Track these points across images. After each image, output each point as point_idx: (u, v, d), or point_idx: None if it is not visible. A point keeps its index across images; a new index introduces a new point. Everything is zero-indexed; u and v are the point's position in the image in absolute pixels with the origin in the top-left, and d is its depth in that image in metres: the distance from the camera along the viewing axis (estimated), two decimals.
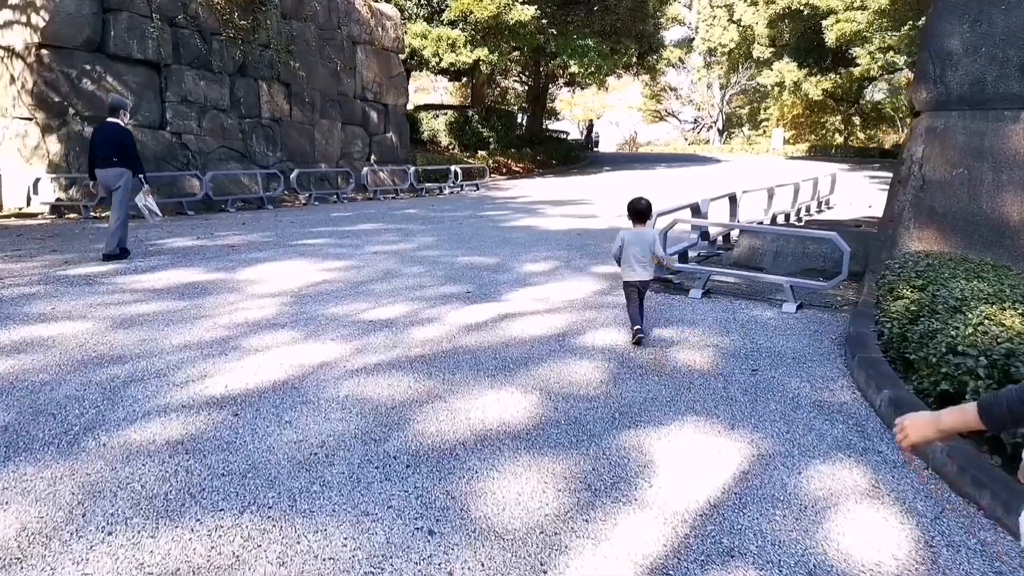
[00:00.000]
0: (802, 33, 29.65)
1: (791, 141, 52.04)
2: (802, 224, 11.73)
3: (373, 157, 19.78)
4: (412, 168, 18.73)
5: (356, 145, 19.26)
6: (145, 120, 13.58)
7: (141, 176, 7.83)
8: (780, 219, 11.77)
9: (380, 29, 19.77)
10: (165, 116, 14.00)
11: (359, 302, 6.16)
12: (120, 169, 7.67)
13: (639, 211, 5.25)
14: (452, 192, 19.51)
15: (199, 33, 14.60)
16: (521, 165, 27.59)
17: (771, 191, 11.26)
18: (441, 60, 22.34)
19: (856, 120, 51.03)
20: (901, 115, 49.45)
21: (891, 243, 6.24)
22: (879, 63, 19.75)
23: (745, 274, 7.06)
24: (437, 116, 26.39)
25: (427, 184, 19.59)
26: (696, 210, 8.14)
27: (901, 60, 19.59)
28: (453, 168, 19.43)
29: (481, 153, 25.48)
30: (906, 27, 19.48)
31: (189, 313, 5.63)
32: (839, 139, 50.22)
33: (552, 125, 46.80)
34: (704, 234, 8.72)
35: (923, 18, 18.34)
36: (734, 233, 8.95)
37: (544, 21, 23.39)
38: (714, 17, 50.82)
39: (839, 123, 52.27)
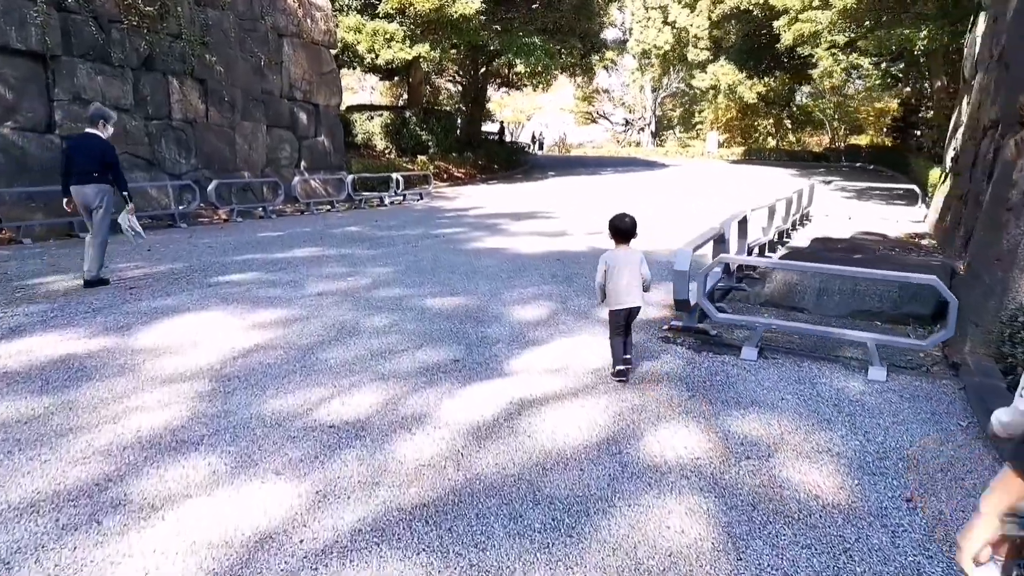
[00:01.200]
0: (747, 35, 28.99)
1: (725, 144, 52.10)
2: (809, 247, 10.48)
3: (303, 164, 17.70)
4: (349, 176, 16.76)
5: (284, 150, 17.15)
6: (27, 122, 11.27)
7: (125, 194, 7.27)
8: (771, 235, 10.49)
9: (309, 20, 17.71)
10: (53, 117, 11.70)
11: (310, 386, 4.38)
12: (101, 186, 7.03)
13: (624, 231, 4.64)
14: (394, 203, 17.63)
15: (95, 20, 12.31)
16: (463, 170, 25.87)
17: (772, 208, 9.96)
18: (377, 56, 20.40)
19: (788, 123, 51.57)
20: (828, 118, 50.31)
21: (1002, 289, 4.88)
22: (842, 65, 19.04)
23: (816, 329, 5.57)
24: (372, 118, 24.36)
25: (365, 193, 17.65)
26: (720, 239, 6.67)
27: (867, 62, 18.89)
28: (395, 176, 17.55)
29: (421, 158, 23.64)
30: (865, 26, 18.79)
31: (49, 425, 3.73)
32: (772, 142, 50.51)
33: (486, 127, 45.24)
34: (726, 266, 7.28)
35: (884, 18, 17.64)
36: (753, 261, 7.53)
37: (484, 18, 21.75)
38: (648, 19, 50.44)
39: (771, 126, 52.71)
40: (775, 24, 23.11)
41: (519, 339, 5.52)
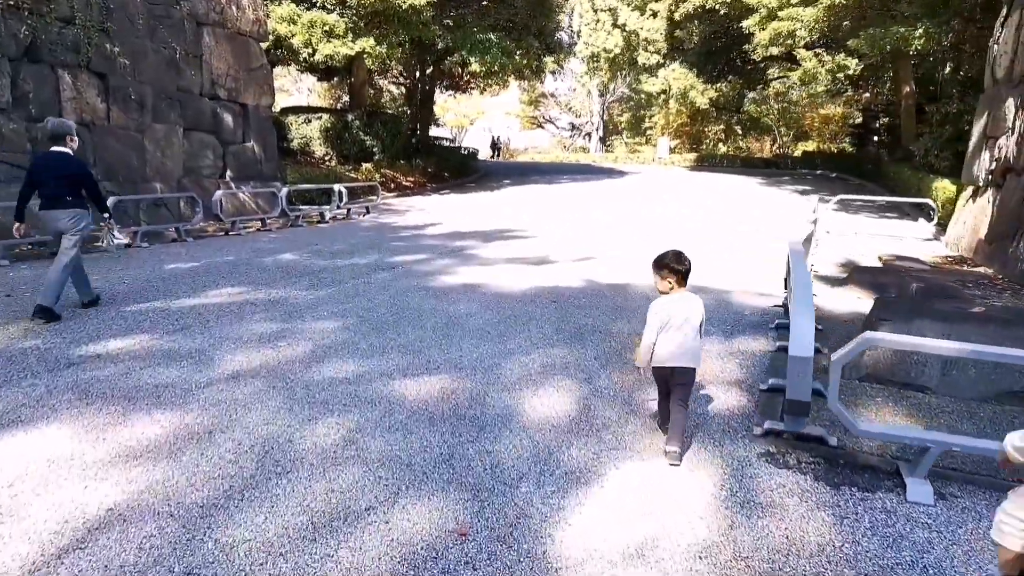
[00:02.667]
0: (709, 36, 27.64)
1: (677, 150, 51.22)
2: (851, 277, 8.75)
3: (230, 173, 15.26)
4: (284, 188, 14.39)
5: (206, 158, 14.68)
6: None
7: (106, 216, 6.78)
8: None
9: (234, 8, 15.29)
10: None
11: None
12: (76, 210, 6.32)
13: (682, 275, 3.76)
14: (337, 218, 15.34)
15: None
16: (412, 179, 23.66)
17: (811, 236, 8.19)
18: (315, 51, 18.04)
19: (738, 129, 51.05)
20: (775, 124, 49.94)
21: None
22: (826, 66, 17.69)
23: None
24: (310, 121, 21.88)
25: (303, 208, 15.33)
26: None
27: (853, 63, 17.57)
28: (337, 188, 15.24)
29: (365, 166, 21.34)
30: (844, 26, 17.48)
31: None
32: (723, 148, 49.84)
33: (434, 131, 43.05)
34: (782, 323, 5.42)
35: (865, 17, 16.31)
36: (837, 303, 5.69)
37: (432, 13, 19.65)
38: (597, 21, 49.15)
39: (721, 132, 52.15)
40: (744, 24, 21.72)
41: (551, 471, 3.48)
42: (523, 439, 3.83)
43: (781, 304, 7.14)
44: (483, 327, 6.10)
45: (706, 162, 42.76)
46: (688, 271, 3.74)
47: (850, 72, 18.20)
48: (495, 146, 55.99)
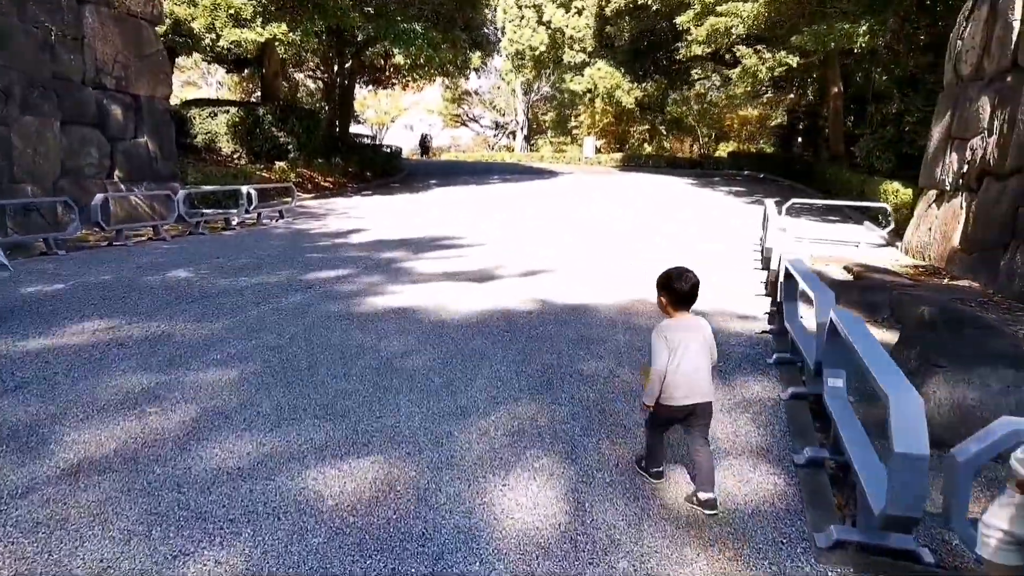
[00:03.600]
0: (639, 33, 26.98)
1: (602, 150, 50.92)
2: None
3: (118, 174, 13.34)
4: (182, 191, 12.58)
5: (89, 156, 12.72)
6: None
7: None
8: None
9: None
10: None
11: None
12: None
13: (687, 296, 3.17)
14: (245, 224, 13.64)
15: None
16: (331, 179, 21.98)
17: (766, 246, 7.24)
18: (219, 38, 16.20)
19: (663, 130, 51.19)
20: (697, 125, 50.34)
21: None
22: (767, 64, 17.15)
23: None
24: (215, 115, 19.85)
25: (207, 212, 13.57)
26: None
27: (794, 60, 17.05)
28: (245, 190, 13.52)
29: (279, 164, 19.54)
30: (786, 24, 16.99)
31: None
32: (648, 148, 49.83)
33: (354, 129, 41.13)
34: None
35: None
36: None
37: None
38: (522, 18, 48.27)
39: (645, 132, 52.22)
40: (678, 20, 21.08)
41: None
42: None
43: (768, 330, 6.16)
44: (425, 373, 4.82)
45: (632, 162, 42.47)
46: (689, 293, 3.18)
47: (794, 68, 17.68)
48: (424, 144, 54.24)
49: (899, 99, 15.75)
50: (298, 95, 36.05)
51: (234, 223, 13.17)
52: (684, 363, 3.09)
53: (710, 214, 16.23)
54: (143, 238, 11.40)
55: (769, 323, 6.42)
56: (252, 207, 13.73)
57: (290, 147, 20.97)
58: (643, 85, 37.27)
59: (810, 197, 19.24)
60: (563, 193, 21.60)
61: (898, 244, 11.75)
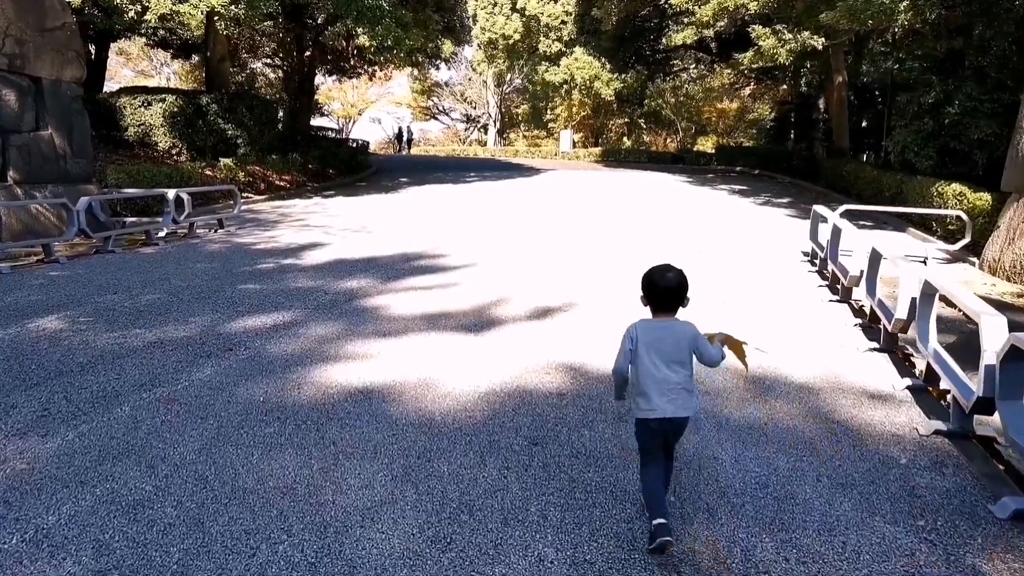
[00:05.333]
0: (626, 17, 24.78)
1: (580, 144, 48.87)
2: None
3: (13, 174, 10.74)
4: (85, 198, 9.94)
5: None
6: None
7: None
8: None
9: None
10: None
11: None
12: None
13: (668, 293, 2.77)
14: (175, 237, 11.10)
15: None
16: (287, 177, 19.41)
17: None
18: (146, 11, 13.57)
19: (642, 123, 49.43)
20: (677, 118, 48.67)
21: None
22: (787, 46, 15.03)
23: None
24: (149, 104, 17.10)
25: (129, 220, 11.03)
26: None
27: (819, 41, 14.97)
28: (172, 194, 10.92)
29: (224, 161, 16.92)
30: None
31: None
32: (627, 142, 47.96)
33: (317, 122, 38.39)
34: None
35: None
36: None
37: None
38: (495, 4, 45.81)
39: (623, 126, 50.48)
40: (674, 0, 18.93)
41: None
42: None
43: (940, 430, 3.95)
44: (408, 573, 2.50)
45: (611, 157, 40.45)
46: (673, 293, 2.75)
47: (819, 49, 15.59)
48: (402, 138, 51.45)
49: (938, 87, 13.74)
50: (256, 85, 33.21)
51: (158, 236, 10.61)
52: (653, 370, 2.70)
53: (734, 222, 14.08)
54: (32, 262, 8.83)
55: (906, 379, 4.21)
56: (184, 215, 11.20)
57: (240, 141, 18.35)
58: (623, 76, 35.28)
59: (815, 195, 17.28)
60: (551, 193, 19.29)
61: (972, 260, 9.71)
